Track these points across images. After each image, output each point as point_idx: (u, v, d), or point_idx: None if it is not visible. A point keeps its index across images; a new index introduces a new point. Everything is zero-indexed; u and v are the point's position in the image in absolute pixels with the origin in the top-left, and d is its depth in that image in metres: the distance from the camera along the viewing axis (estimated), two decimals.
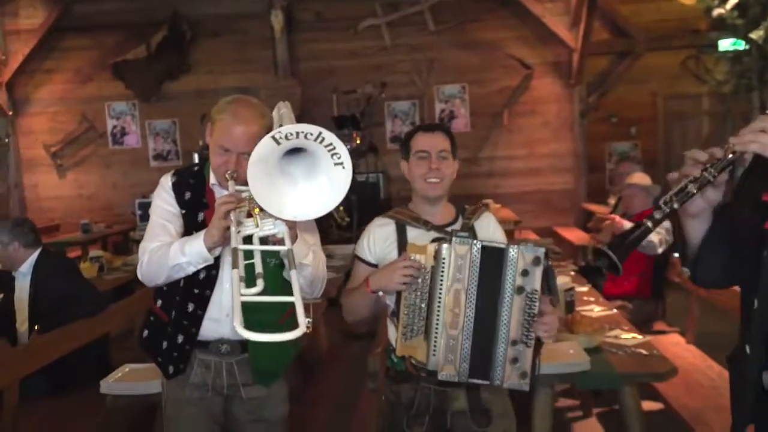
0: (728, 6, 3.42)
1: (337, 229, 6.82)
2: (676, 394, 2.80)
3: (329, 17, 7.42)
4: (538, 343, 1.77)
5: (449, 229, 2.02)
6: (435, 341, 1.79)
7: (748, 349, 1.35)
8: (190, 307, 1.88)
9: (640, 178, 4.10)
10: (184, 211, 1.91)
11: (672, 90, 7.57)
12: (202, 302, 1.89)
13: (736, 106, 7.60)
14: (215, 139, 1.86)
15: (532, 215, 7.39)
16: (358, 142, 6.64)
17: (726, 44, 7.41)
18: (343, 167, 1.62)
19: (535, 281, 1.72)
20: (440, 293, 1.78)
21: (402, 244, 2.00)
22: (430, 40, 7.44)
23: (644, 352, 2.48)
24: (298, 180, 1.67)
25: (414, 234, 2.01)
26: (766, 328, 1.30)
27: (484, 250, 1.76)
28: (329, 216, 7.04)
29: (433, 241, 1.90)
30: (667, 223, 4.23)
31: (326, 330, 4.33)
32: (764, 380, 1.31)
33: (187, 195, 1.92)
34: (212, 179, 1.94)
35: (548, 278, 1.75)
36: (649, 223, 1.31)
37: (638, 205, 4.01)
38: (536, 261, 1.71)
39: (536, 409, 2.49)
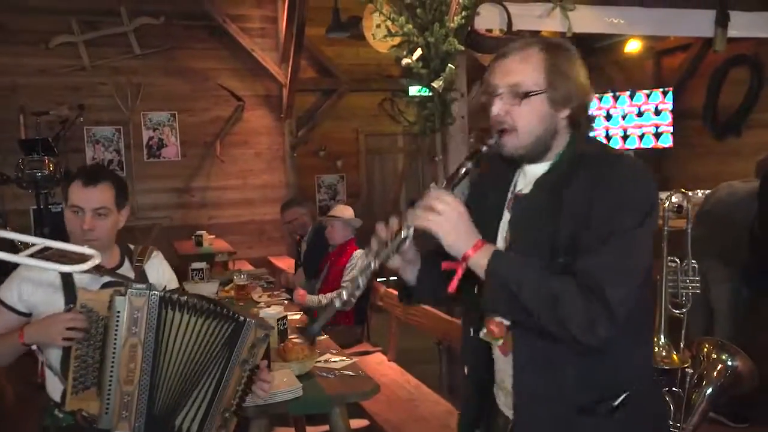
0: (414, 57, 3.85)
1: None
2: (380, 410, 3.02)
3: (13, 29, 6.56)
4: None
5: (120, 271, 1.91)
6: (108, 398, 1.66)
7: (466, 370, 1.55)
8: None
9: (340, 210, 4.35)
10: None
11: (372, 128, 8.27)
12: None
13: (425, 144, 8.62)
14: None
15: (247, 245, 7.40)
16: (51, 168, 5.95)
17: (414, 90, 8.43)
18: None
19: (259, 355, 1.70)
20: (114, 347, 1.65)
21: (69, 289, 1.81)
22: (135, 64, 7.03)
23: (351, 373, 2.63)
24: None
25: (82, 279, 1.83)
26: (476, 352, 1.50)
27: (163, 299, 1.67)
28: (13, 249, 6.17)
29: (105, 286, 1.77)
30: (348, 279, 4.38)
31: (10, 382, 3.76)
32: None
33: None
34: None
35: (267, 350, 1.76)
36: (337, 303, 1.37)
37: (338, 236, 4.24)
38: (265, 339, 1.69)
39: None
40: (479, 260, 1.30)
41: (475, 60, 5.54)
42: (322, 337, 3.19)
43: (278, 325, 2.97)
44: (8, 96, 6.56)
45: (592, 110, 1.47)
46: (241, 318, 1.67)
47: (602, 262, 1.25)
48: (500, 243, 1.44)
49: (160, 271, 1.96)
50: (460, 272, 1.35)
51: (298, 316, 3.60)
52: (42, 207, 6.16)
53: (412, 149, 8.58)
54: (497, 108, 1.39)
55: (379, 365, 3.67)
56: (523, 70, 1.37)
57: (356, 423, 3.12)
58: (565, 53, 1.39)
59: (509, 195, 1.48)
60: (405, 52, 3.97)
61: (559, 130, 1.41)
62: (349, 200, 8.19)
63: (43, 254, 1.49)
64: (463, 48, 3.84)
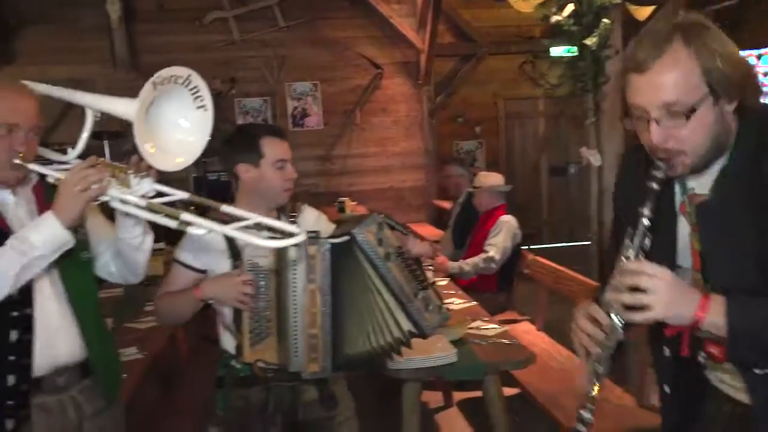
0: (564, 14, 3.65)
1: None
2: (531, 380, 2.95)
3: (171, 8, 7.02)
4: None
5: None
6: (295, 343, 1.77)
7: (667, 389, 1.38)
8: (13, 335, 1.55)
9: (484, 178, 4.28)
10: None
11: (511, 92, 8.03)
12: (26, 324, 1.57)
13: (568, 108, 8.24)
14: None
15: (387, 212, 7.49)
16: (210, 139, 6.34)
17: (558, 51, 8.05)
18: (206, 110, 1.66)
19: (392, 240, 1.78)
20: (294, 295, 1.76)
21: (233, 247, 1.91)
22: (280, 36, 7.29)
23: (505, 341, 2.58)
24: (168, 128, 1.62)
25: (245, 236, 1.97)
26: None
27: (334, 246, 1.78)
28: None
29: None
30: (499, 240, 4.23)
31: (185, 334, 4.08)
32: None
33: None
34: None
35: (393, 227, 1.85)
36: (581, 427, 1.25)
37: (484, 203, 4.19)
38: (381, 227, 1.77)
39: (405, 404, 2.51)
40: (714, 320, 1.12)
41: (629, 14, 5.17)
42: (473, 303, 3.16)
43: None
44: None
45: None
46: (347, 237, 1.76)
47: None
48: (686, 258, 1.25)
49: (311, 222, 2.06)
50: (687, 335, 1.24)
51: (444, 282, 3.60)
52: (201, 175, 6.63)
53: (555, 113, 8.24)
54: (657, 136, 1.16)
55: (527, 334, 3.59)
56: (675, 81, 1.13)
57: (506, 391, 3.08)
58: (711, 34, 1.15)
59: (678, 197, 1.28)
60: (554, 9, 3.78)
61: (732, 123, 1.20)
62: (489, 167, 8.04)
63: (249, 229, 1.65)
64: (619, 1, 3.58)
